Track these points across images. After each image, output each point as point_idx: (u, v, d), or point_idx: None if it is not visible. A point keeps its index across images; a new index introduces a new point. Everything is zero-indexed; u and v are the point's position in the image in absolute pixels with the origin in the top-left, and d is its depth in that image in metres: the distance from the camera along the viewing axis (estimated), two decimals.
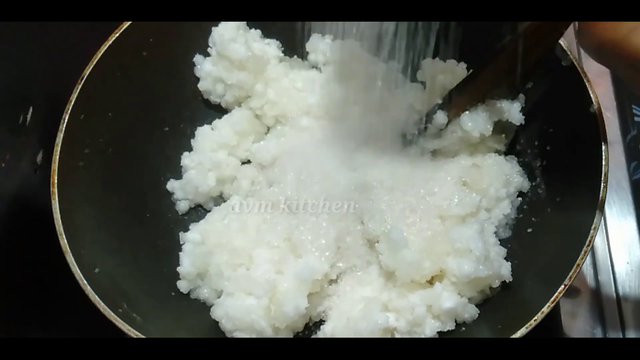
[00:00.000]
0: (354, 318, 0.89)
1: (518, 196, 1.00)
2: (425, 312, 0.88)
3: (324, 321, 0.96)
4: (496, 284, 0.90)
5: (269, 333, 0.89)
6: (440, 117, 0.94)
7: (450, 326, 0.89)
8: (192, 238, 1.02)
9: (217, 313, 0.92)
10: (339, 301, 0.96)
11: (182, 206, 1.09)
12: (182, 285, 0.99)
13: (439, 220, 0.95)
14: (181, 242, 1.03)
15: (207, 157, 1.08)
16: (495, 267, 0.88)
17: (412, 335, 0.89)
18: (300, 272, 0.90)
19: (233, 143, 1.10)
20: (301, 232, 0.96)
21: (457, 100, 0.94)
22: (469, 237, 0.87)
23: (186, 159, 1.10)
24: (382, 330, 0.87)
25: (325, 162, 1.02)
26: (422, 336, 0.88)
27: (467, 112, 0.94)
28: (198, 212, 1.11)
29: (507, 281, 0.90)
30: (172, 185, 1.10)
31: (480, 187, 0.96)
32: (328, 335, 0.92)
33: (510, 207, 0.98)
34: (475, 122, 0.93)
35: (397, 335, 0.89)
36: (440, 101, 0.95)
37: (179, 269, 1.00)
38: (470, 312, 0.90)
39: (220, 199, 1.11)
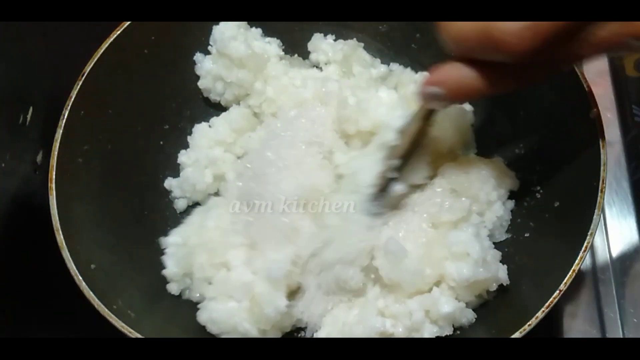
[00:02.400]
0: (349, 323, 0.89)
1: (511, 198, 0.99)
2: (423, 317, 0.87)
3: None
4: (493, 287, 0.89)
5: (254, 334, 0.88)
6: (399, 188, 0.93)
7: (448, 331, 0.89)
8: (174, 241, 1.00)
9: (202, 317, 0.91)
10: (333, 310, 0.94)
11: (180, 204, 1.09)
12: (172, 288, 0.98)
13: (431, 227, 0.94)
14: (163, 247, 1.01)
15: (204, 154, 1.08)
16: (493, 269, 0.88)
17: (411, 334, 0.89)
18: (269, 272, 0.89)
19: (229, 140, 1.09)
20: (267, 231, 0.94)
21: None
22: (465, 240, 0.87)
23: (183, 156, 1.10)
24: (379, 335, 0.87)
25: (301, 157, 1.00)
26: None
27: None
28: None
29: (505, 284, 0.90)
30: (169, 183, 1.10)
31: (470, 193, 0.95)
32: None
33: (503, 208, 0.97)
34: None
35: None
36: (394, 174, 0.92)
37: (164, 272, 0.98)
38: (468, 317, 0.90)
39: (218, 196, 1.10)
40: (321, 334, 0.92)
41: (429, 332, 0.88)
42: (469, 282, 0.86)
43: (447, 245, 0.88)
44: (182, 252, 0.98)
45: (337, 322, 0.91)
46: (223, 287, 0.91)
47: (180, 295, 0.99)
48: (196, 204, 1.10)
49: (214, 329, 0.90)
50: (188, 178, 1.07)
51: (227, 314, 0.89)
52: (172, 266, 0.97)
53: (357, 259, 0.91)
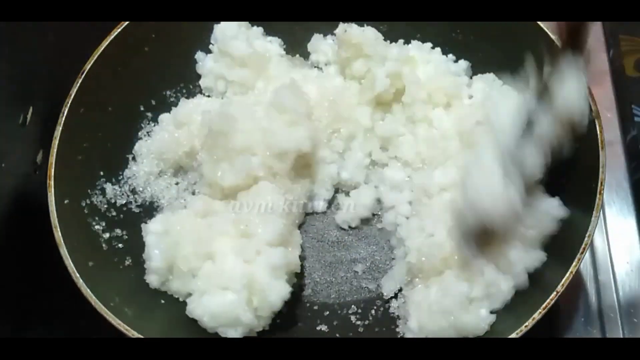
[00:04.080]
0: (435, 301, 0.86)
1: None
2: (496, 270, 0.86)
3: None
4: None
5: (255, 324, 0.88)
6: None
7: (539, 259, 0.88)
8: (154, 229, 0.94)
9: (195, 312, 0.88)
10: (410, 295, 0.93)
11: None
12: (152, 280, 0.94)
13: None
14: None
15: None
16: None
17: (490, 298, 0.87)
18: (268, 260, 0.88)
19: None
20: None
21: None
22: None
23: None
24: (465, 300, 0.85)
25: None
26: (502, 291, 0.87)
27: None
28: None
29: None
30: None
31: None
32: (416, 332, 0.89)
33: None
34: None
35: (477, 304, 0.87)
36: None
37: (147, 264, 0.93)
38: (538, 258, 0.88)
39: None
40: (411, 324, 0.89)
41: (506, 281, 0.86)
42: None
43: None
44: (165, 242, 0.93)
45: (420, 307, 0.89)
46: (214, 279, 0.88)
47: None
48: None
49: (211, 323, 0.88)
50: None
51: (226, 306, 0.87)
52: (156, 259, 0.92)
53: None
